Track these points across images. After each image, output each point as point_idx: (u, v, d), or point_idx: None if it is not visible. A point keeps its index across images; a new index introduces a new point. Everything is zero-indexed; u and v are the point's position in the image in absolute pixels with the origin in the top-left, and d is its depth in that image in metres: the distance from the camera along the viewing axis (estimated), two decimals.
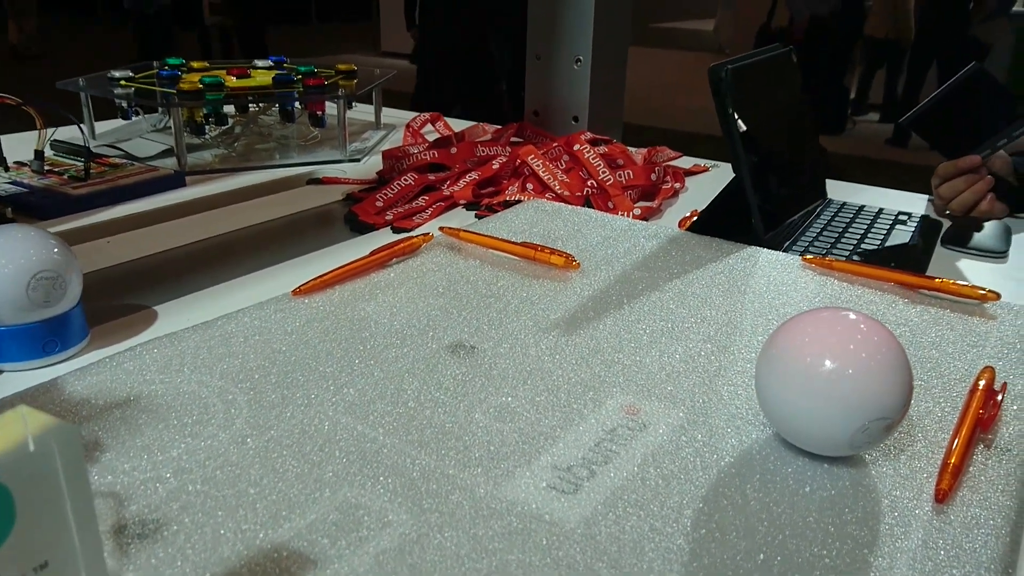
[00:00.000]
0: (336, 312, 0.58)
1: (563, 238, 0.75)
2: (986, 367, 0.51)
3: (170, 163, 0.99)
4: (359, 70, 1.18)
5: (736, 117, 0.72)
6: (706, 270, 0.68)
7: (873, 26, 4.38)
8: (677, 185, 0.99)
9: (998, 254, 0.79)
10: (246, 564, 0.34)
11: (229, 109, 1.11)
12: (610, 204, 0.90)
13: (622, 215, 0.86)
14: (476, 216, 0.86)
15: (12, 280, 0.50)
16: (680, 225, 0.84)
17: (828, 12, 3.74)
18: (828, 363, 0.40)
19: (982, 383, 0.48)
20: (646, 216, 0.88)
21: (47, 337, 0.52)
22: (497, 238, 0.71)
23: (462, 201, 0.89)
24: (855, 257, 0.76)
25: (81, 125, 0.96)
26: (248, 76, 1.10)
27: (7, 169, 0.92)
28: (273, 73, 1.11)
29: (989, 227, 0.84)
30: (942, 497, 0.40)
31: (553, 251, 0.68)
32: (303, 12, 9.32)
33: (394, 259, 0.68)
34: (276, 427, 0.44)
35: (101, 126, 1.13)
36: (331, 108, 1.10)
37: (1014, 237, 0.84)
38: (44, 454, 0.25)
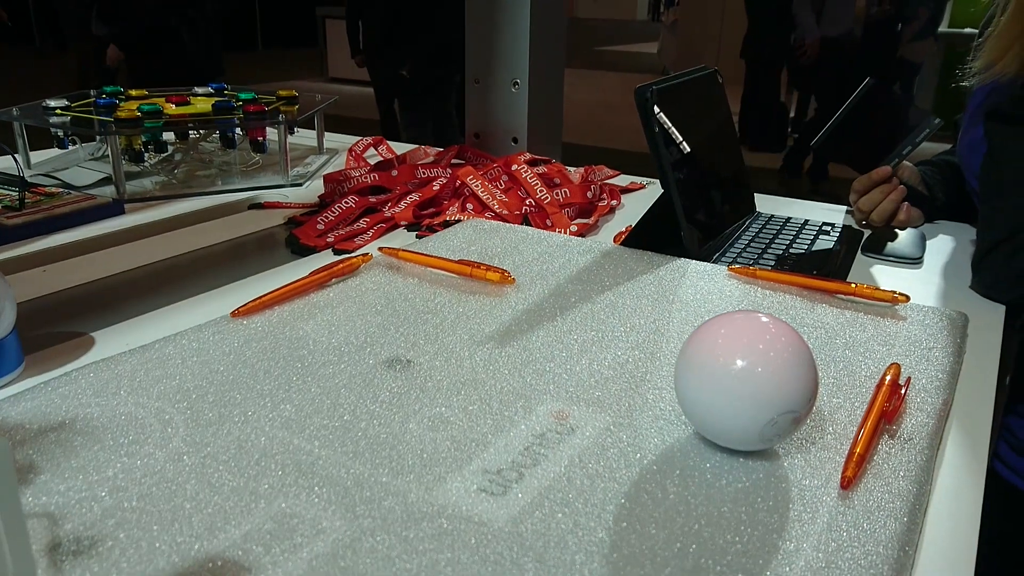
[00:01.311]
0: (275, 332, 0.59)
1: (500, 255, 0.77)
2: (893, 363, 0.54)
3: (109, 191, 0.98)
4: (300, 95, 1.19)
5: (680, 139, 0.76)
6: (637, 282, 0.71)
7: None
8: (614, 202, 1.02)
9: (914, 260, 0.84)
10: (181, 574, 0.35)
11: (169, 136, 1.11)
12: (548, 222, 0.92)
13: (559, 232, 0.89)
14: (417, 236, 0.87)
15: None
16: (615, 240, 0.87)
17: (841, 33, 3.86)
18: (739, 362, 0.42)
19: (888, 378, 0.52)
20: (583, 232, 0.91)
21: None
22: (435, 256, 0.73)
23: (403, 222, 0.91)
24: (781, 266, 0.79)
25: (15, 155, 0.95)
26: (188, 103, 1.10)
27: None
28: (213, 100, 1.12)
29: (906, 235, 0.89)
30: (847, 484, 0.42)
31: (489, 268, 0.70)
32: (249, 38, 9.29)
33: (333, 279, 0.69)
34: (213, 444, 0.45)
35: (37, 156, 1.12)
36: (273, 134, 1.11)
37: (928, 244, 0.88)
38: None
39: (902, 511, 0.41)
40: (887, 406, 0.49)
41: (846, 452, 0.45)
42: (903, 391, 0.51)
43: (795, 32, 4.04)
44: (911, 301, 0.66)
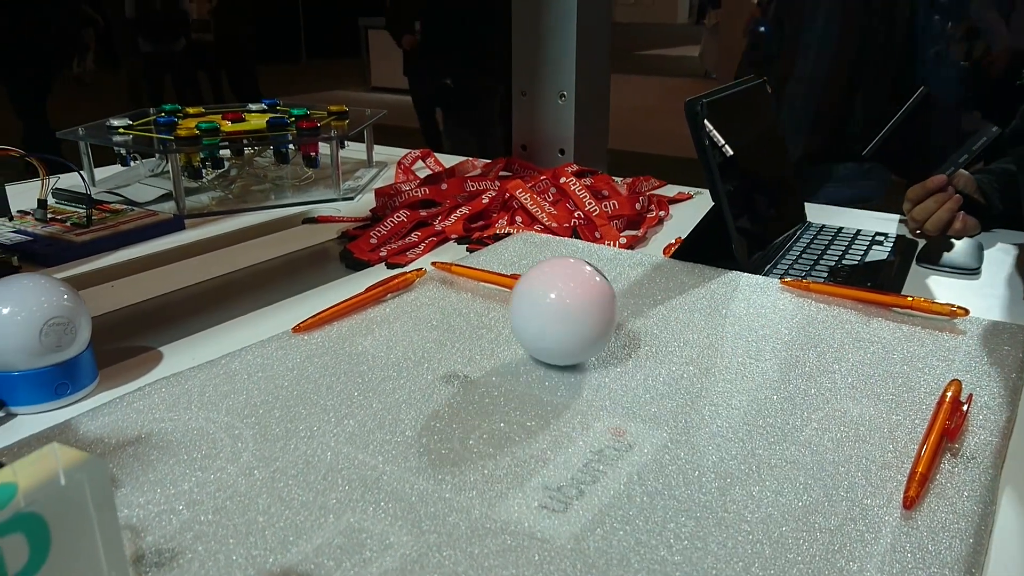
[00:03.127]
0: (335, 347, 0.61)
1: None
2: (953, 380, 0.53)
3: (169, 207, 1.02)
4: (350, 110, 1.21)
5: (723, 144, 0.76)
6: (689, 295, 0.71)
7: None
8: (662, 213, 1.02)
9: (971, 271, 0.83)
10: None
11: (225, 152, 1.14)
12: (597, 234, 0.93)
13: (608, 245, 0.89)
14: (468, 250, 0.89)
15: (25, 327, 0.53)
16: (665, 252, 0.87)
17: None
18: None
19: (949, 395, 0.51)
20: (632, 245, 0.91)
21: (59, 380, 0.55)
22: (487, 271, 0.74)
23: (453, 235, 0.92)
24: (834, 278, 0.79)
25: (81, 173, 0.99)
26: (243, 120, 1.13)
27: (11, 219, 0.95)
28: (267, 116, 1.14)
29: (962, 245, 0.87)
30: (910, 504, 0.42)
31: None
32: (293, 50, 9.46)
33: (389, 294, 0.71)
34: (281, 458, 0.46)
35: (100, 172, 1.16)
36: (324, 148, 1.14)
37: (986, 253, 0.87)
38: (75, 487, 0.28)
39: (967, 532, 0.41)
40: (948, 424, 0.48)
41: (907, 471, 0.45)
42: (965, 408, 0.50)
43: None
44: (970, 315, 0.65)
